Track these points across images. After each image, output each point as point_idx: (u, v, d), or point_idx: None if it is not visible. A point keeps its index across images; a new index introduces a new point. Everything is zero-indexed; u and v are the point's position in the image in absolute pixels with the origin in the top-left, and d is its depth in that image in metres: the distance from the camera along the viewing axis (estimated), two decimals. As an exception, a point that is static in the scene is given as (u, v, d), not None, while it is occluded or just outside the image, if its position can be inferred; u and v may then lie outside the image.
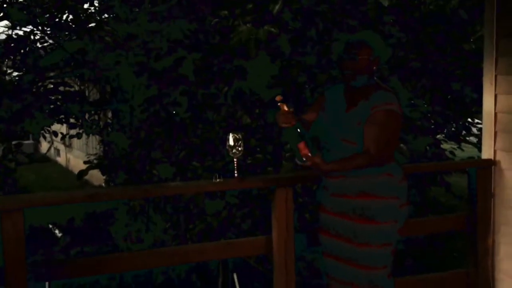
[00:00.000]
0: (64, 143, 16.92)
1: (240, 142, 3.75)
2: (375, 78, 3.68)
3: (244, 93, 6.03)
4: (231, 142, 3.76)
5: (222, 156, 5.97)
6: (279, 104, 3.44)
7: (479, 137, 6.66)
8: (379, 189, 3.64)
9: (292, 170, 5.57)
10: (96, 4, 7.68)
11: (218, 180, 3.85)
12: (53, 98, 7.26)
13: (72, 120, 7.58)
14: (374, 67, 3.61)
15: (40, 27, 7.72)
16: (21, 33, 7.89)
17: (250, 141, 5.95)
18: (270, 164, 5.97)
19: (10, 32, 7.82)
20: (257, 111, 6.03)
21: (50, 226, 11.98)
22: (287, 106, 3.45)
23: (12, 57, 7.73)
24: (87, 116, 7.69)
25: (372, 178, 3.63)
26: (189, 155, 6.15)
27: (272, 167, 5.93)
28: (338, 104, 3.70)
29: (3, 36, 7.92)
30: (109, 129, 7.47)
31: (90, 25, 7.26)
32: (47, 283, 5.61)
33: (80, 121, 7.65)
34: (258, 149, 5.97)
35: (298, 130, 3.47)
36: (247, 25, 5.51)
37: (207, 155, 6.09)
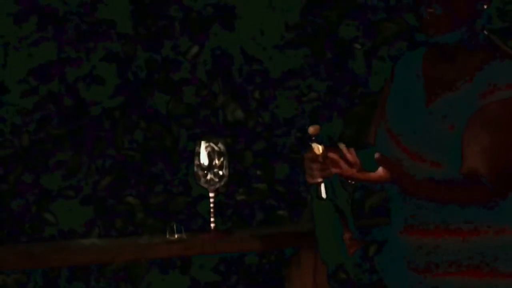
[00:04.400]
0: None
1: (222, 159, 3.05)
2: (485, 31, 2.75)
3: (230, 58, 4.93)
4: (205, 160, 3.02)
5: (185, 186, 4.85)
6: (311, 143, 2.73)
7: None
8: (505, 259, 2.67)
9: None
10: None
11: (177, 235, 3.06)
12: None
13: None
14: (485, 6, 2.66)
15: None
16: None
17: (244, 155, 4.83)
18: (284, 202, 4.82)
19: None
20: (256, 95, 4.86)
21: None
22: (323, 147, 2.74)
23: None
24: None
25: (487, 237, 2.70)
26: (119, 183, 4.90)
27: (288, 208, 4.78)
28: (412, 90, 2.86)
29: None
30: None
31: None
32: None
33: None
34: (259, 172, 4.80)
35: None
36: None
37: (154, 183, 4.94)
